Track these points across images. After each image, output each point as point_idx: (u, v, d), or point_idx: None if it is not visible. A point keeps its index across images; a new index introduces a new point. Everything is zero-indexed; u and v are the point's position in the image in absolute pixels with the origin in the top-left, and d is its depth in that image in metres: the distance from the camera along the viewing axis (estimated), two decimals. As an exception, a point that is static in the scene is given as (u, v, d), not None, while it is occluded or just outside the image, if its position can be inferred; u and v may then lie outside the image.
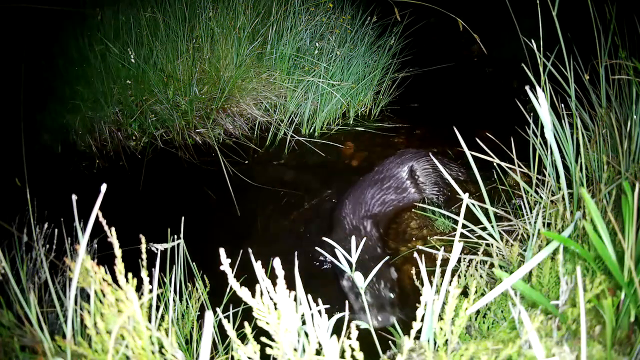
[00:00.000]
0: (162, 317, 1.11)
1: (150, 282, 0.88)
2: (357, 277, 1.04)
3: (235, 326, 1.29)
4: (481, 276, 1.36)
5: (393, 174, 2.26)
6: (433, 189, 2.31)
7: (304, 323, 0.83)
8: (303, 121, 3.03)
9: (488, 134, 1.76)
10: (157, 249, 1.18)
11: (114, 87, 2.80)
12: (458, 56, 3.98)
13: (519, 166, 1.58)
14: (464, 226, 1.42)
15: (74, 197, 0.85)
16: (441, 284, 0.97)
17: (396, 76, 3.35)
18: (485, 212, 1.41)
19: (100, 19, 2.78)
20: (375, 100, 3.31)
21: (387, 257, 1.83)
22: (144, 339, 0.78)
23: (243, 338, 0.85)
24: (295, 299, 0.80)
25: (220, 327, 1.38)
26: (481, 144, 1.57)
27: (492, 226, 1.37)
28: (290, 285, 0.80)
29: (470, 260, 1.43)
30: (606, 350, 0.85)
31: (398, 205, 2.22)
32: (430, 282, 0.93)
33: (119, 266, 0.81)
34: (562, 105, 1.60)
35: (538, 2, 1.46)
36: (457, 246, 0.92)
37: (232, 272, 0.78)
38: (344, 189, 2.57)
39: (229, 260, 0.77)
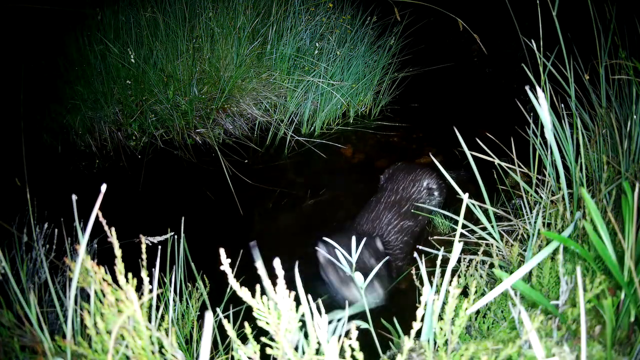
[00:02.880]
0: (162, 317, 1.11)
1: (150, 282, 0.88)
2: (357, 277, 1.04)
3: (236, 326, 1.29)
4: (481, 276, 1.36)
5: (410, 194, 2.11)
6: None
7: (304, 323, 0.83)
8: (303, 121, 3.03)
9: (488, 134, 1.76)
10: (151, 242, 1.19)
11: (114, 87, 2.80)
12: (458, 56, 3.98)
13: (519, 166, 1.58)
14: (464, 226, 1.43)
15: (74, 197, 0.86)
16: (441, 284, 0.97)
17: (396, 76, 3.35)
18: (485, 212, 1.41)
19: (100, 19, 2.78)
20: (375, 100, 3.31)
21: (387, 258, 1.83)
22: (144, 339, 0.78)
23: (243, 338, 0.85)
24: (295, 299, 0.80)
25: (220, 327, 1.38)
26: (481, 144, 1.57)
27: (492, 226, 1.37)
28: (290, 285, 0.80)
29: (470, 260, 1.43)
30: (606, 350, 0.85)
31: (416, 231, 2.08)
32: (430, 282, 0.93)
33: (119, 266, 0.81)
34: (562, 105, 1.60)
35: (538, 2, 1.46)
36: (457, 246, 0.92)
37: (232, 272, 0.78)
38: (345, 191, 2.57)
39: (229, 260, 0.77)
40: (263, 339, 0.81)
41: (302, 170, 2.75)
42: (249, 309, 0.81)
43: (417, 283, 1.43)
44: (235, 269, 0.83)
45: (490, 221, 1.37)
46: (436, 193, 2.20)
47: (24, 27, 2.64)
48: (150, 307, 0.97)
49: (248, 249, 1.02)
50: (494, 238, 1.39)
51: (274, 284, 0.79)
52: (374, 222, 1.98)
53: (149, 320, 0.96)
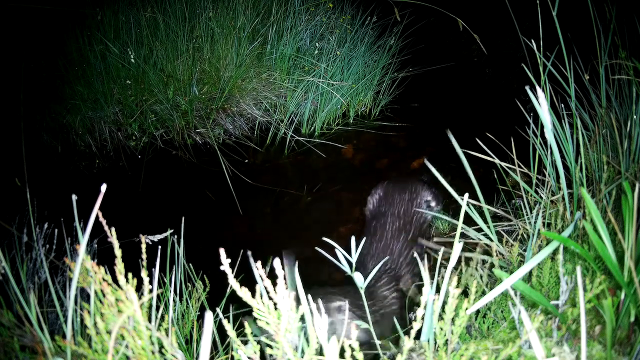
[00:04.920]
0: (162, 317, 1.11)
1: (150, 282, 0.88)
2: (357, 277, 1.04)
3: (235, 326, 1.29)
4: (481, 276, 1.36)
5: (412, 216, 2.01)
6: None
7: (304, 323, 0.83)
8: (303, 121, 3.03)
9: (488, 134, 1.76)
10: (151, 241, 1.19)
11: (114, 87, 2.80)
12: (458, 56, 3.98)
13: (519, 166, 1.58)
14: (463, 227, 1.42)
15: (74, 197, 0.85)
16: (441, 283, 0.96)
17: (396, 76, 3.35)
18: (482, 214, 1.41)
19: (100, 19, 2.78)
20: (375, 100, 3.31)
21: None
22: (144, 339, 0.78)
23: (243, 338, 0.85)
24: (295, 299, 0.80)
25: (220, 327, 1.38)
26: (481, 144, 1.57)
27: (489, 227, 1.37)
28: (290, 285, 0.80)
29: (470, 260, 1.43)
30: (606, 350, 0.85)
31: (423, 258, 1.93)
32: (431, 282, 0.93)
33: (119, 266, 0.81)
34: (562, 105, 1.60)
35: (538, 2, 1.46)
36: (457, 246, 0.92)
37: (232, 272, 0.78)
38: (345, 191, 2.57)
39: (229, 260, 0.77)
40: (263, 339, 0.81)
41: (302, 170, 2.75)
42: (249, 309, 0.81)
43: (417, 283, 1.43)
44: (235, 269, 0.84)
45: (486, 222, 1.37)
46: (434, 204, 2.15)
47: (24, 27, 2.64)
48: (150, 307, 0.97)
49: (248, 249, 1.02)
50: (490, 239, 1.39)
51: (274, 284, 0.79)
52: (386, 253, 1.86)
53: (149, 320, 0.96)
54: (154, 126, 2.85)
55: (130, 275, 0.81)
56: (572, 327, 0.93)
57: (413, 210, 2.05)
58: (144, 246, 0.94)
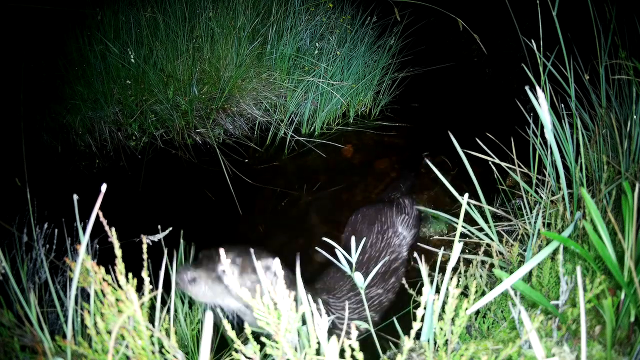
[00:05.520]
0: (165, 318, 1.11)
1: (151, 283, 0.88)
2: (357, 277, 1.04)
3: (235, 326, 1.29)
4: (481, 276, 1.36)
5: (379, 251, 1.86)
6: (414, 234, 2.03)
7: (304, 323, 0.83)
8: (303, 121, 3.03)
9: (488, 134, 1.76)
10: (151, 241, 1.19)
11: (114, 87, 2.80)
12: (458, 56, 3.98)
13: (519, 166, 1.58)
14: (463, 226, 1.42)
15: (75, 197, 0.86)
16: (441, 283, 0.97)
17: (396, 76, 3.35)
18: (483, 214, 1.41)
19: (100, 19, 2.78)
20: (375, 100, 3.31)
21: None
22: (144, 339, 0.78)
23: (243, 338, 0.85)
24: (295, 299, 0.80)
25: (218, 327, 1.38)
26: (481, 144, 1.57)
27: (490, 227, 1.38)
28: (291, 285, 0.80)
29: (470, 260, 1.43)
30: (606, 350, 0.85)
31: (384, 303, 1.78)
32: (430, 282, 0.93)
33: (119, 266, 0.81)
34: (562, 105, 1.60)
35: (538, 2, 1.46)
36: (457, 246, 0.92)
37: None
38: (345, 191, 2.57)
39: (229, 260, 0.77)
40: (263, 339, 0.81)
41: (302, 170, 2.75)
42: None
43: (417, 283, 1.43)
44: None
45: (487, 222, 1.37)
46: (406, 233, 1.98)
47: (24, 27, 2.64)
48: (153, 307, 0.97)
49: (248, 249, 1.03)
50: (491, 239, 1.39)
51: (274, 283, 0.79)
52: (335, 287, 1.66)
53: (152, 321, 0.96)
54: (154, 126, 2.85)
55: (130, 275, 0.82)
56: (572, 327, 0.93)
57: (382, 243, 1.89)
58: (144, 246, 0.94)
